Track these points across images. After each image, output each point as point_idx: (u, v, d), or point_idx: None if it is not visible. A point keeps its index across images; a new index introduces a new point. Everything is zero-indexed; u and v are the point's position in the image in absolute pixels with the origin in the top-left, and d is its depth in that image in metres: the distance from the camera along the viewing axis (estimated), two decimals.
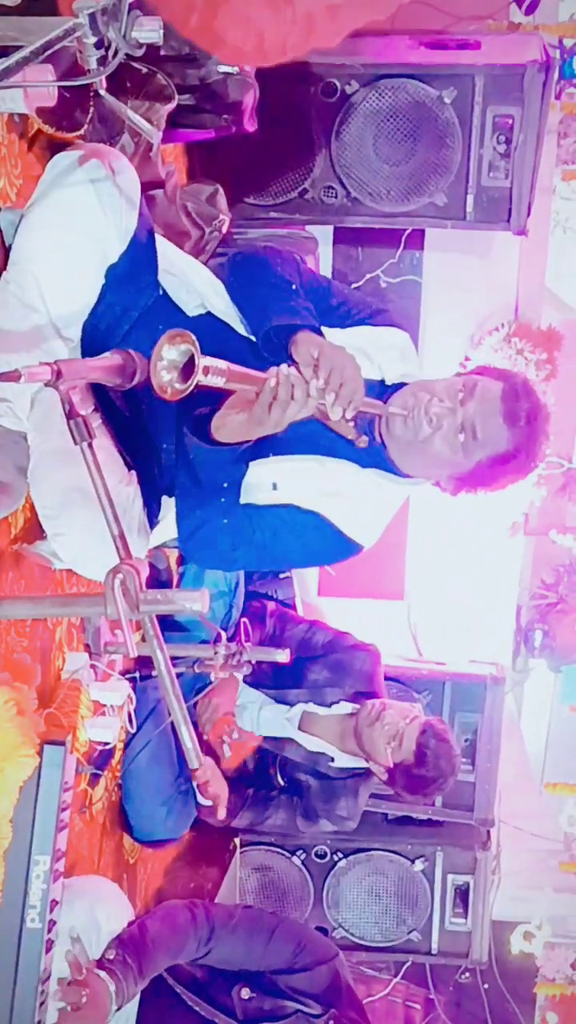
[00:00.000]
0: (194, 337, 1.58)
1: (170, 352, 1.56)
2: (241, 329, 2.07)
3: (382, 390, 2.14)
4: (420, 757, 2.85)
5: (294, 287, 2.10)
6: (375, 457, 2.15)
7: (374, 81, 3.04)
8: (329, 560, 2.46)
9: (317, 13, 1.82)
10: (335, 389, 1.87)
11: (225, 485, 2.01)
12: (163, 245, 2.09)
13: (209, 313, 2.08)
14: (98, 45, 1.44)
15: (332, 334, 2.06)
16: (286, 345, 1.96)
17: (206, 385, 1.63)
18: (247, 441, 1.93)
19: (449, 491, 2.22)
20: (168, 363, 1.57)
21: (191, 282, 2.09)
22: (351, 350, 1.97)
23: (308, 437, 2.07)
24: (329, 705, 3.03)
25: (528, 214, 3.19)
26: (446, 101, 3.03)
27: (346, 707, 3.02)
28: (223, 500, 2.04)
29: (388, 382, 2.16)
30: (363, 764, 3.01)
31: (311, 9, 1.81)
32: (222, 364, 1.65)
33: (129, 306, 1.97)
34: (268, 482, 2.11)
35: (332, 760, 3.03)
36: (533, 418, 2.11)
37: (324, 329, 2.05)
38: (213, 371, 1.63)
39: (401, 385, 2.16)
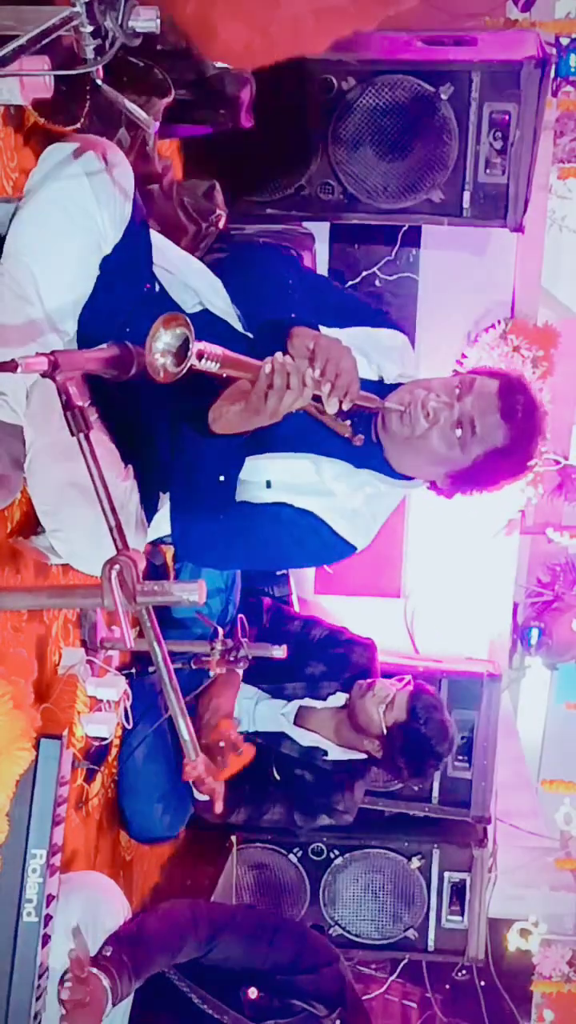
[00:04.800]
0: (188, 320, 1.57)
1: (165, 335, 1.56)
2: (239, 327, 2.07)
3: (380, 390, 2.13)
4: (412, 713, 2.93)
5: (291, 283, 2.10)
6: (370, 458, 2.15)
7: (371, 77, 3.03)
8: (323, 561, 2.46)
9: (303, 18, 1.83)
10: (331, 379, 1.87)
11: (221, 479, 2.00)
12: (160, 242, 2.08)
13: (207, 311, 2.07)
14: (95, 34, 1.44)
15: (330, 333, 2.05)
16: (283, 340, 1.95)
17: (200, 370, 1.63)
18: (244, 433, 1.93)
19: (445, 492, 2.22)
20: (164, 346, 1.56)
21: (188, 279, 2.08)
22: None
23: (302, 435, 2.07)
24: (325, 697, 3.04)
25: (525, 211, 3.19)
26: (443, 97, 3.03)
27: (341, 698, 3.04)
28: (218, 498, 2.03)
29: (387, 381, 2.17)
30: (357, 756, 3.02)
31: (298, 14, 1.82)
32: (217, 349, 1.65)
33: (124, 298, 1.96)
34: (262, 479, 2.11)
35: (326, 754, 3.04)
36: (530, 412, 2.13)
37: (322, 328, 2.04)
38: (208, 356, 1.63)
39: (399, 385, 2.16)
